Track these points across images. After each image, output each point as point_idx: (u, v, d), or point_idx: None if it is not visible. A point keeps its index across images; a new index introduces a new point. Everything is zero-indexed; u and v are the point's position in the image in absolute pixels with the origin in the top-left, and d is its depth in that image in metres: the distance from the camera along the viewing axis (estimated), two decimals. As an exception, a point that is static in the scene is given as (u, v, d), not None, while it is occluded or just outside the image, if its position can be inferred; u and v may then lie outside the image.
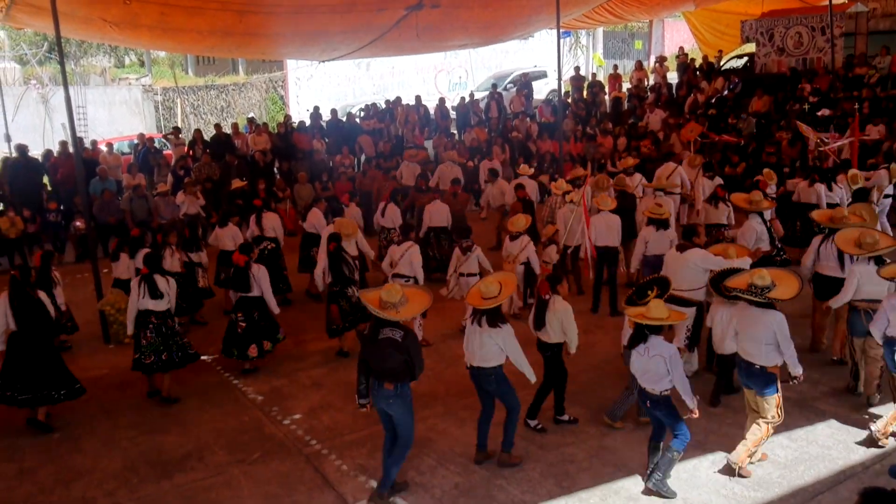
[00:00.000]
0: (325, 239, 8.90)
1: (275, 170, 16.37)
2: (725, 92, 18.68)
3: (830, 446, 6.28)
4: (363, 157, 17.36)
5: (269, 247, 10.25)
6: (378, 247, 10.80)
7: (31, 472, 6.48)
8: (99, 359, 8.89)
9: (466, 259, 8.94)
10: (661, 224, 8.82)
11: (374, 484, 5.98)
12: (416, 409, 7.19)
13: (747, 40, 20.36)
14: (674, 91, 20.81)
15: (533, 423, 6.72)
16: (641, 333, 5.66)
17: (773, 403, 5.86)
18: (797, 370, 5.85)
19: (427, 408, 7.24)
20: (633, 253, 9.29)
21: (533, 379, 6.12)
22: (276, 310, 8.26)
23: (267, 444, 6.77)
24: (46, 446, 6.92)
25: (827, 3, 18.02)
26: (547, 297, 6.44)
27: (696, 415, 5.70)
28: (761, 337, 5.76)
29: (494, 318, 5.91)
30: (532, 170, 13.11)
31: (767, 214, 9.54)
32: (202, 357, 8.36)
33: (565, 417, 6.81)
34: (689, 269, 7.29)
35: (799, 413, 6.78)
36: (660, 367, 5.55)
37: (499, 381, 6.03)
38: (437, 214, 10.97)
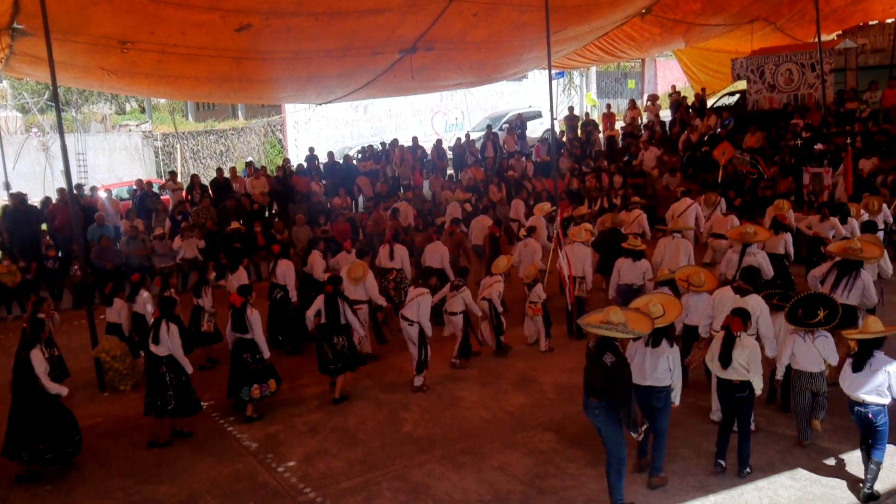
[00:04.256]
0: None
1: (271, 212, 16.43)
2: (719, 129, 18.85)
3: (834, 486, 6.17)
4: (361, 199, 17.47)
5: (278, 294, 10.16)
6: (385, 288, 10.54)
7: (21, 525, 6.38)
8: (94, 406, 8.77)
9: (452, 297, 9.07)
10: (636, 255, 9.31)
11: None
12: (412, 453, 7.15)
13: (738, 78, 20.63)
14: (667, 129, 21.01)
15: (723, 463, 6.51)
16: (868, 352, 5.83)
17: None
18: None
19: (424, 452, 7.14)
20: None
21: (677, 402, 6.19)
22: (266, 354, 8.08)
23: (260, 493, 6.65)
24: (39, 496, 6.80)
25: (815, 39, 18.29)
26: (738, 333, 6.23)
27: None
28: None
29: (669, 337, 6.11)
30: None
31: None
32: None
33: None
34: None
35: (801, 451, 6.67)
36: (879, 379, 5.77)
37: (667, 400, 6.15)
38: (432, 256, 10.77)
